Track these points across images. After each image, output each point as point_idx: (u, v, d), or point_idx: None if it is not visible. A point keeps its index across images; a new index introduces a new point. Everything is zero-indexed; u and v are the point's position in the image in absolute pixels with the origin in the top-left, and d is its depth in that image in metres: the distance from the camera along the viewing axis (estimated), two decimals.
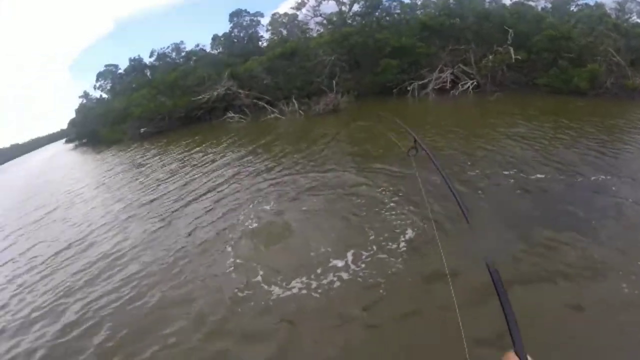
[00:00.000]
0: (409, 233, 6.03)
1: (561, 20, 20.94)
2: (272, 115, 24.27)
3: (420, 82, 22.77)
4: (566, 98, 15.30)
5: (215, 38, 36.94)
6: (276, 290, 5.27)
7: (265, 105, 25.92)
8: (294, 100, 24.72)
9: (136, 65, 42.80)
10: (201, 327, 4.90)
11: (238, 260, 6.32)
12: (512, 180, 7.63)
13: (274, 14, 34.71)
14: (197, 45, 39.02)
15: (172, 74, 33.75)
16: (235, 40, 35.33)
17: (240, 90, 27.54)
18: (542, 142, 9.79)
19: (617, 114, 12.82)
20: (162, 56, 40.30)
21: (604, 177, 7.27)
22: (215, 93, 28.00)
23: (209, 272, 6.23)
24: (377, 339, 4.15)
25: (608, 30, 17.55)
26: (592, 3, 22.22)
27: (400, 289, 4.83)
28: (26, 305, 6.74)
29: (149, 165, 18.83)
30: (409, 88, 22.86)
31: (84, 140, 48.14)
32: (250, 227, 7.68)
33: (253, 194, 9.78)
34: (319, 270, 5.48)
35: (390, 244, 5.84)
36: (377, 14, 27.56)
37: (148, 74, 41.09)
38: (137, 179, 15.90)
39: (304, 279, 5.36)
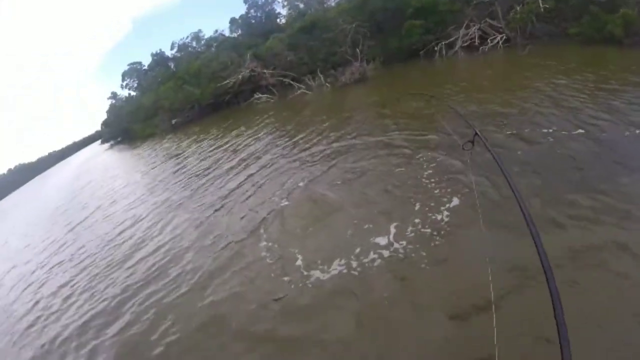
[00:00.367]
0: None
1: None
2: (299, 92, 24.36)
3: (447, 42, 21.96)
4: (601, 47, 14.31)
5: (232, 21, 36.90)
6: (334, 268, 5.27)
7: (291, 82, 25.98)
8: (319, 74, 24.61)
9: (159, 59, 43.66)
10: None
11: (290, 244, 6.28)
12: (552, 139, 6.95)
13: None
14: (216, 32, 39.38)
15: (195, 63, 34.27)
16: (253, 21, 35.12)
17: (264, 70, 27.67)
18: (584, 95, 8.85)
19: None
20: (183, 47, 40.87)
21: None
22: (240, 76, 28.29)
23: (255, 267, 6.12)
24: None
25: None
26: None
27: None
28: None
29: (184, 155, 19.41)
30: (436, 49, 22.10)
31: (118, 139, 50.07)
32: (292, 206, 7.68)
33: (294, 171, 9.71)
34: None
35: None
36: None
37: (172, 66, 41.84)
38: (176, 170, 16.35)
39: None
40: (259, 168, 11.18)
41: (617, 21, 14.95)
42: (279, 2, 35.66)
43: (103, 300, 7.02)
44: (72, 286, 8.37)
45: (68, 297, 7.90)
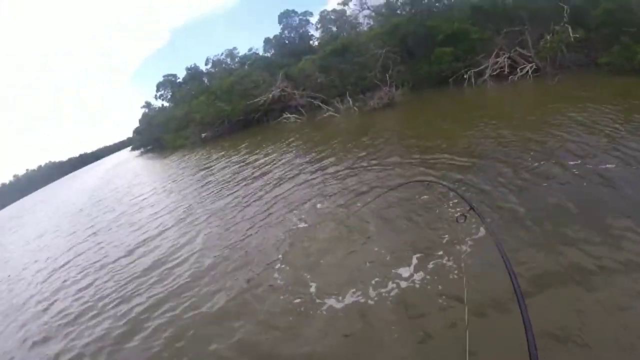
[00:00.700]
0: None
1: None
2: (327, 114, 24.87)
3: (476, 70, 22.17)
4: (632, 77, 14.29)
5: (267, 41, 38.35)
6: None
7: (320, 104, 26.62)
8: (348, 97, 25.17)
9: (193, 73, 45.47)
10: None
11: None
12: (577, 171, 7.00)
13: (322, 12, 35.54)
14: (250, 50, 40.90)
15: (228, 79, 35.56)
16: (287, 41, 36.36)
17: (294, 91, 28.49)
18: (614, 127, 8.85)
19: None
20: (217, 63, 42.51)
21: None
22: (270, 95, 29.25)
23: (269, 282, 6.35)
24: None
25: None
26: None
27: None
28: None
29: (213, 167, 20.09)
30: (465, 76, 22.31)
31: (149, 147, 51.93)
32: (312, 229, 7.86)
33: (315, 192, 10.00)
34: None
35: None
36: (426, 0, 27.01)
37: (205, 80, 43.41)
38: (204, 183, 16.87)
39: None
40: (285, 190, 11.35)
41: None
42: (312, 24, 36.85)
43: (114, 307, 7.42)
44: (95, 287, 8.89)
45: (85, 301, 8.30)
